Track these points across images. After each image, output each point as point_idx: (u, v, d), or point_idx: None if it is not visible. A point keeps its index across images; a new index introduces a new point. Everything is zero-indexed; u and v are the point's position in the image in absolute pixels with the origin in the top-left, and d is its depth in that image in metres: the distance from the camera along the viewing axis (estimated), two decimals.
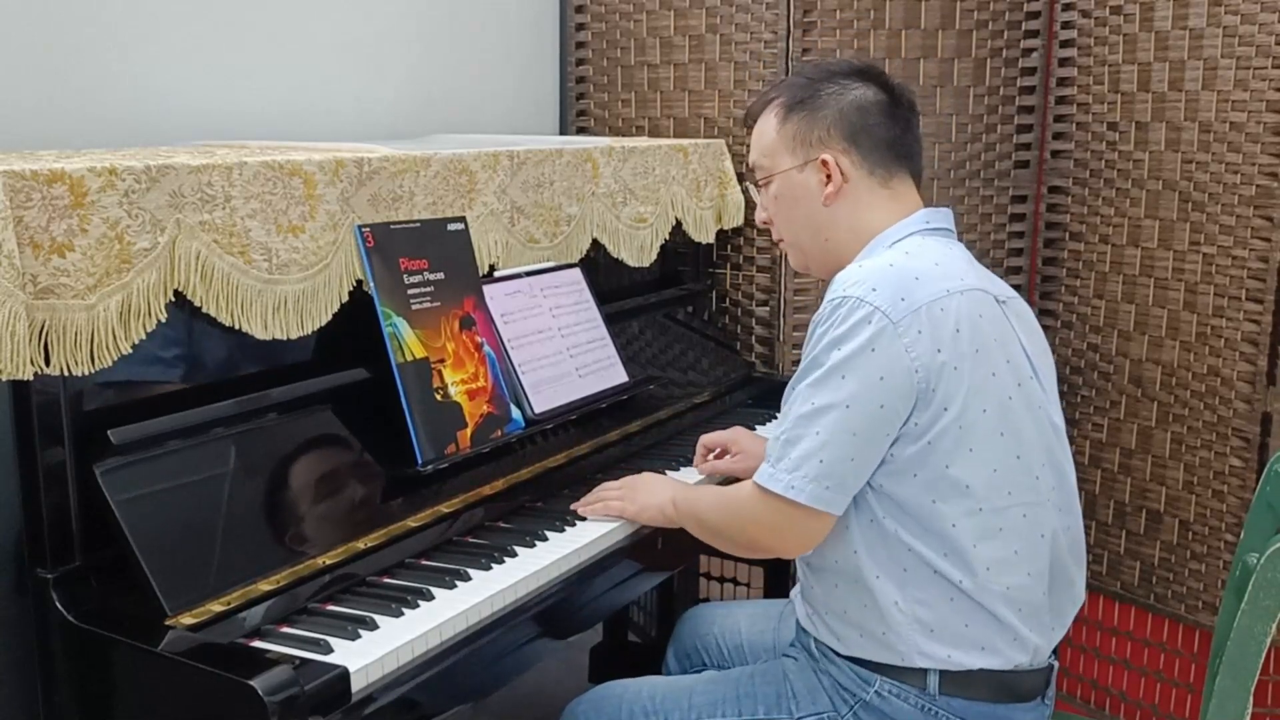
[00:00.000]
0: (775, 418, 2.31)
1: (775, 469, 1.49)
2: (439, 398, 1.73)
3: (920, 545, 1.49)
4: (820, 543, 1.53)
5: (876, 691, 1.53)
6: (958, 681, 1.51)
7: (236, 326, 1.51)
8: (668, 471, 1.98)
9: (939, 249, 1.55)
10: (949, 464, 1.47)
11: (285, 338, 1.57)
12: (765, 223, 1.69)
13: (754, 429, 2.25)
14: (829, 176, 1.58)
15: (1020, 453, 1.51)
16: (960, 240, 1.63)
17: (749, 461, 1.93)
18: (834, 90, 1.60)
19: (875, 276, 1.48)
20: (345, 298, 1.66)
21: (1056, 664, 1.61)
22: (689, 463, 2.03)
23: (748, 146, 1.72)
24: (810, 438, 1.46)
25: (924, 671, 1.51)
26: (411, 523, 1.63)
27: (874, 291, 1.46)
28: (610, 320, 2.14)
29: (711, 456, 2.00)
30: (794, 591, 1.72)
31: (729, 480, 1.95)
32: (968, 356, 1.47)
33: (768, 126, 1.64)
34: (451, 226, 1.83)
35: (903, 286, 1.46)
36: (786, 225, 1.66)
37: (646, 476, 1.83)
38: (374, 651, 1.35)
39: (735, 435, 2.00)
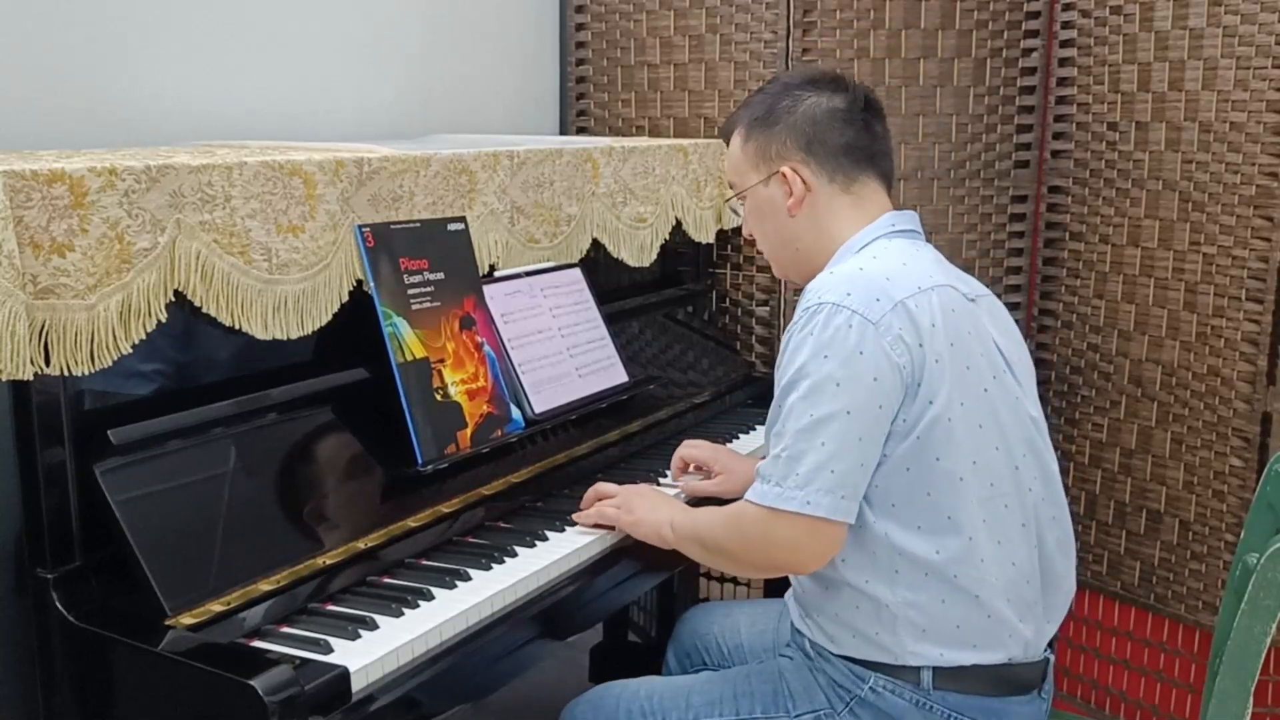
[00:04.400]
0: None
1: (784, 487, 1.46)
2: (439, 398, 1.73)
3: (913, 544, 1.49)
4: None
5: (871, 688, 1.54)
6: (952, 676, 1.52)
7: (236, 326, 1.50)
8: (668, 474, 1.98)
9: (905, 250, 1.58)
10: (939, 456, 1.48)
11: (285, 338, 1.57)
12: (748, 236, 1.75)
13: (753, 429, 2.25)
14: (791, 188, 1.62)
15: (999, 444, 1.53)
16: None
17: (731, 483, 1.89)
18: (788, 103, 1.64)
19: (847, 282, 1.50)
20: (345, 298, 1.66)
21: (1053, 657, 1.62)
22: None
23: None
24: (816, 450, 1.44)
25: (917, 668, 1.52)
26: (411, 523, 1.63)
27: (849, 295, 1.48)
28: (610, 320, 2.14)
29: (692, 468, 1.96)
30: (788, 594, 1.73)
31: (710, 502, 1.92)
32: (945, 350, 1.49)
33: (734, 147, 1.69)
34: (451, 226, 1.83)
35: (875, 287, 1.49)
36: (762, 239, 1.71)
37: (646, 490, 1.79)
38: (374, 651, 1.35)
39: (716, 453, 1.95)
